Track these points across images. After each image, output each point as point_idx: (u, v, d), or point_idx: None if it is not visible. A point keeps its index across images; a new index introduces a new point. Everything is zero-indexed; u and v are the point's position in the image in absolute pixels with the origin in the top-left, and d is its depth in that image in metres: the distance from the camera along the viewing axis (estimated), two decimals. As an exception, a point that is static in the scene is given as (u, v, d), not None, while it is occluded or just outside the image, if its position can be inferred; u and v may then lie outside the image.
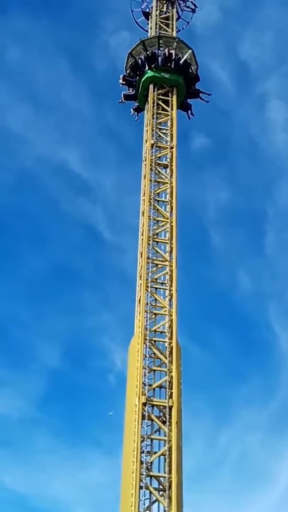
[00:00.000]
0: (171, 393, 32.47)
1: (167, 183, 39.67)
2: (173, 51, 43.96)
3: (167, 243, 37.45)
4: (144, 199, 38.82)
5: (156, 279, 36.28)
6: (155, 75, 43.50)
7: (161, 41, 44.55)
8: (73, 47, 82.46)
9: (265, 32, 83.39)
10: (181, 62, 43.84)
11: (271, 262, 79.88)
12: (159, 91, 43.21)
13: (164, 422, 31.74)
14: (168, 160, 40.60)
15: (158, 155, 40.76)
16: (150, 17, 47.93)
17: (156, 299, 35.52)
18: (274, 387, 71.16)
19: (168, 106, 42.65)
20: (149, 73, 43.63)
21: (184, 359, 34.50)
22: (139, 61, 44.26)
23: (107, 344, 72.29)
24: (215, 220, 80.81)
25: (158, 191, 39.43)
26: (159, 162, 40.52)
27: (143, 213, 38.38)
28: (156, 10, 47.67)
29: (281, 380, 71.10)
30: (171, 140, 41.41)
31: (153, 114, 41.89)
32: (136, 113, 45.33)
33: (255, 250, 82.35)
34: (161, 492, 30.32)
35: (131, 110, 45.48)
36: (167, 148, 41.03)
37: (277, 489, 63.71)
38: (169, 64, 43.64)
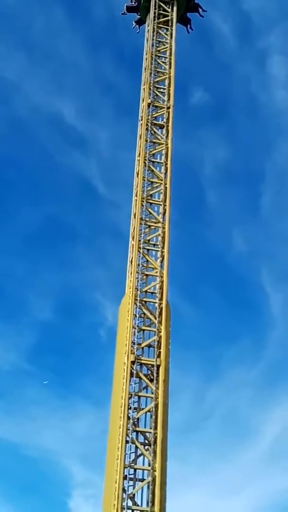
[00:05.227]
0: (159, 352, 33.54)
1: (163, 144, 39.76)
2: None
3: (161, 204, 37.86)
4: (139, 160, 39.05)
5: (149, 240, 36.85)
6: None
7: None
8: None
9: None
10: None
11: (266, 223, 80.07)
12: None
13: (151, 380, 32.91)
14: (165, 120, 40.60)
15: (154, 115, 40.71)
16: None
17: (147, 260, 36.17)
18: (264, 347, 72.65)
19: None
20: None
21: (175, 319, 35.48)
22: None
23: (99, 299, 72.91)
24: (212, 179, 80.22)
25: (153, 152, 39.56)
26: (155, 122, 40.51)
27: (137, 173, 38.64)
28: None
29: (270, 340, 72.59)
30: (168, 99, 41.31)
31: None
32: (137, 26, 47.21)
33: (251, 211, 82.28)
34: (146, 447, 31.70)
35: (133, 22, 47.38)
36: (164, 108, 40.99)
37: (263, 444, 65.86)
38: None
